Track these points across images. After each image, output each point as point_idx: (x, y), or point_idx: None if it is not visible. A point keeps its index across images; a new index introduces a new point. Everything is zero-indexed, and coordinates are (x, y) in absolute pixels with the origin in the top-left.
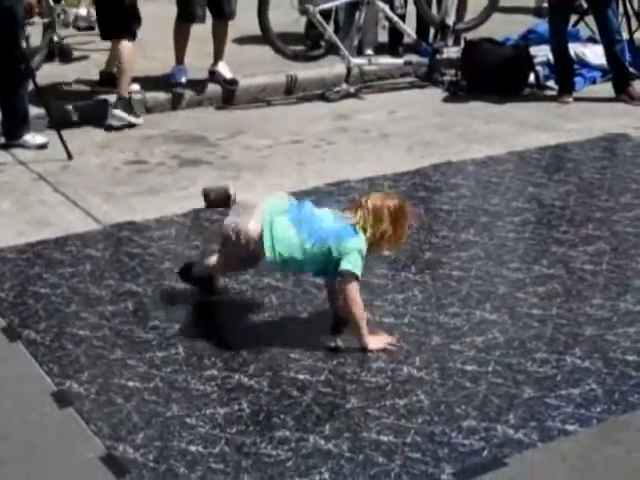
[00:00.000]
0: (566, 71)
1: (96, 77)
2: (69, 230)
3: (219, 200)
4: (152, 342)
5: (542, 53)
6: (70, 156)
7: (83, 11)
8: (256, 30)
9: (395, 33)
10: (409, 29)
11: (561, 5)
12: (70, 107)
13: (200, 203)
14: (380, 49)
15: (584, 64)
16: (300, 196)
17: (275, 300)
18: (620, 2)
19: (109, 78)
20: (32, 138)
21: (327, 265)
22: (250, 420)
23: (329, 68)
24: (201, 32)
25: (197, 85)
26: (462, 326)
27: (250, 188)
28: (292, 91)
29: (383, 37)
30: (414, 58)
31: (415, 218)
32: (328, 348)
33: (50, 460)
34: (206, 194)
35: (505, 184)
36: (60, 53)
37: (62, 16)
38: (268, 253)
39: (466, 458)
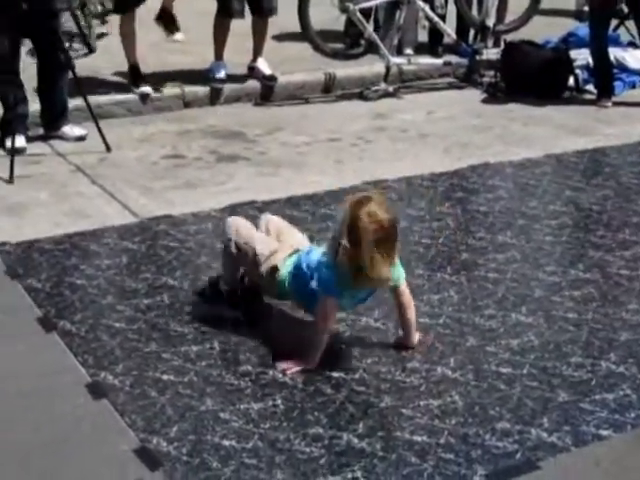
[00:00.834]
0: (606, 75)
1: None
2: (106, 222)
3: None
4: (187, 336)
5: (582, 57)
6: (109, 148)
7: None
8: (296, 27)
9: (435, 33)
10: (449, 29)
11: (602, 9)
12: (109, 99)
13: (238, 198)
14: (420, 49)
15: (624, 68)
16: (338, 193)
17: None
18: None
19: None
20: (71, 130)
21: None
22: (284, 416)
23: (368, 67)
24: (241, 28)
25: (236, 81)
26: (497, 328)
27: (288, 185)
28: (330, 89)
29: (423, 37)
30: (453, 59)
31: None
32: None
33: (83, 452)
34: None
35: (543, 187)
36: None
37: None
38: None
39: (499, 460)
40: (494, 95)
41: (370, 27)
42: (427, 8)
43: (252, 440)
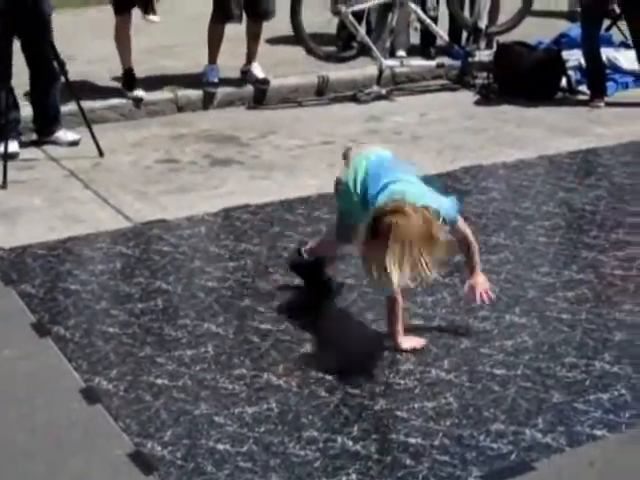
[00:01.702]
0: (598, 76)
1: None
2: (100, 227)
3: None
4: (181, 340)
5: (574, 57)
6: (101, 153)
7: None
8: (289, 30)
9: (427, 35)
10: (441, 31)
11: (594, 9)
12: (102, 104)
13: (231, 202)
14: (412, 51)
15: (616, 69)
16: (331, 197)
17: (305, 300)
18: None
19: None
20: (64, 135)
21: None
22: (278, 420)
23: (361, 69)
24: (233, 32)
25: (229, 84)
26: (491, 330)
27: (282, 188)
28: (323, 92)
29: (415, 39)
30: (446, 61)
31: None
32: None
33: (78, 456)
34: None
35: (536, 188)
36: None
37: None
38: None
39: (494, 461)
40: (487, 97)
41: (362, 30)
42: (419, 10)
43: (247, 444)
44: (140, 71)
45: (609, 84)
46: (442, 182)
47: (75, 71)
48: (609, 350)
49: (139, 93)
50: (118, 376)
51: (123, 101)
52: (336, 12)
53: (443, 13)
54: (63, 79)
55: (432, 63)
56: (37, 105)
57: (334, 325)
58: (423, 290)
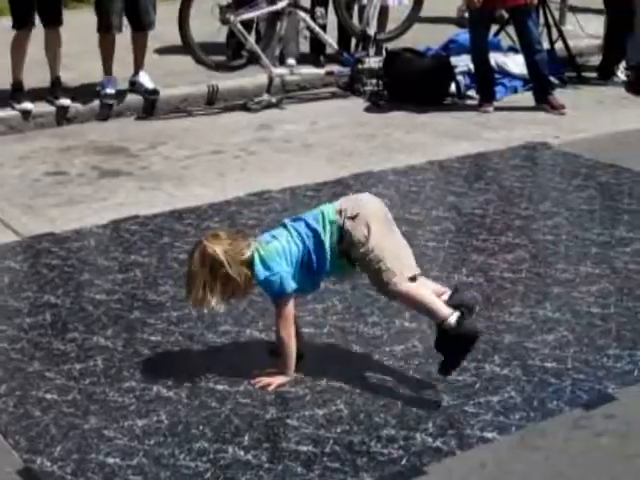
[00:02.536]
0: (486, 80)
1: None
2: None
3: None
4: (70, 354)
5: (463, 63)
6: None
7: None
8: (177, 40)
9: (316, 43)
10: (330, 39)
11: (481, 15)
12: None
13: (121, 214)
14: (302, 59)
15: (505, 73)
16: (221, 206)
17: (194, 311)
18: (540, 12)
19: None
20: None
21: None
22: (168, 431)
23: (251, 78)
24: (122, 42)
25: (118, 95)
26: (381, 335)
27: (171, 199)
28: (213, 101)
29: (305, 47)
30: (336, 68)
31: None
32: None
33: None
34: None
35: (425, 193)
36: None
37: None
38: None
39: (385, 467)
40: (377, 104)
41: (252, 38)
42: (308, 18)
43: (137, 457)
44: (30, 82)
45: (498, 88)
46: (332, 189)
47: None
48: (499, 353)
49: (27, 106)
50: (7, 392)
51: (11, 113)
52: (225, 21)
53: (332, 21)
54: None
55: (322, 71)
56: None
57: (224, 334)
58: (313, 298)
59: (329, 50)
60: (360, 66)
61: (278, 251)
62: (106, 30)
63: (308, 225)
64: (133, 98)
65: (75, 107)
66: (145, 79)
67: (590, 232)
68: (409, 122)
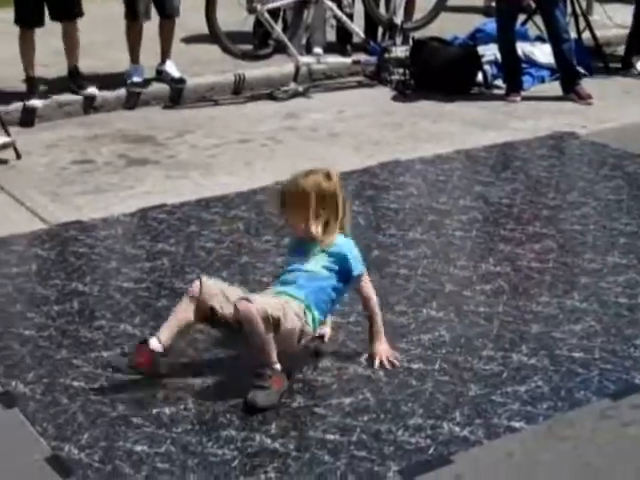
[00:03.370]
0: (514, 70)
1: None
2: (15, 230)
3: None
4: (97, 342)
5: (490, 52)
6: (19, 156)
7: None
8: (204, 29)
9: (343, 32)
10: (357, 28)
11: (509, 4)
12: (17, 106)
13: (147, 202)
14: (328, 48)
15: (532, 63)
16: (248, 195)
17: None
18: (568, 1)
19: None
20: None
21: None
22: (196, 419)
23: (277, 67)
24: (149, 31)
25: (145, 84)
26: (409, 324)
27: (198, 187)
28: (240, 90)
29: (332, 36)
30: (362, 57)
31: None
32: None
33: None
34: None
35: (452, 182)
36: None
37: None
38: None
39: (412, 456)
40: (403, 93)
41: (278, 27)
42: (335, 7)
43: (164, 444)
44: (54, 72)
45: (525, 78)
46: (359, 178)
47: None
48: (526, 342)
49: (34, 103)
50: (34, 379)
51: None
52: (252, 10)
53: (359, 10)
54: None
55: (348, 60)
56: None
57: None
58: None
59: (356, 39)
60: (387, 55)
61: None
62: (133, 18)
63: None
64: (160, 87)
65: (102, 96)
66: (172, 68)
67: (618, 222)
68: (436, 111)
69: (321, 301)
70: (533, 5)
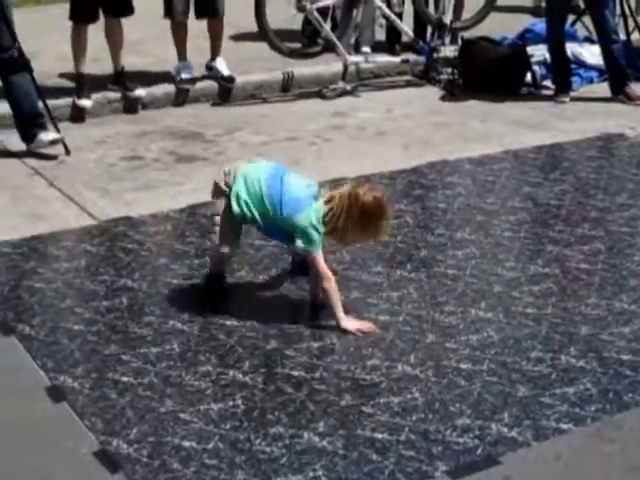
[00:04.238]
0: (563, 71)
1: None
2: (64, 225)
3: None
4: (146, 337)
5: (539, 52)
6: (68, 151)
7: None
8: (253, 27)
9: (392, 31)
10: (406, 27)
11: (558, 5)
12: (66, 102)
13: (196, 199)
14: (377, 47)
15: (581, 64)
16: None
17: (271, 297)
18: (617, 2)
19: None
20: (45, 135)
21: (287, 234)
22: (244, 416)
23: (326, 66)
24: (199, 28)
25: (193, 81)
26: (457, 324)
27: None
28: (289, 88)
29: (380, 35)
30: (411, 56)
31: (390, 218)
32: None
33: (43, 455)
34: None
35: (501, 183)
36: None
37: None
38: (233, 203)
39: (460, 456)
40: (452, 92)
41: (327, 26)
42: (384, 6)
43: (213, 441)
44: (104, 68)
45: (574, 79)
46: (407, 178)
47: (37, 69)
48: (575, 344)
49: (84, 102)
50: (83, 374)
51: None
52: (301, 8)
53: (408, 9)
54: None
55: (397, 59)
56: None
57: (300, 323)
58: (389, 285)
59: (404, 38)
60: (435, 54)
61: None
62: (171, 16)
63: None
64: (208, 84)
65: (150, 92)
66: (222, 65)
67: None
68: (484, 111)
69: None
70: (582, 5)
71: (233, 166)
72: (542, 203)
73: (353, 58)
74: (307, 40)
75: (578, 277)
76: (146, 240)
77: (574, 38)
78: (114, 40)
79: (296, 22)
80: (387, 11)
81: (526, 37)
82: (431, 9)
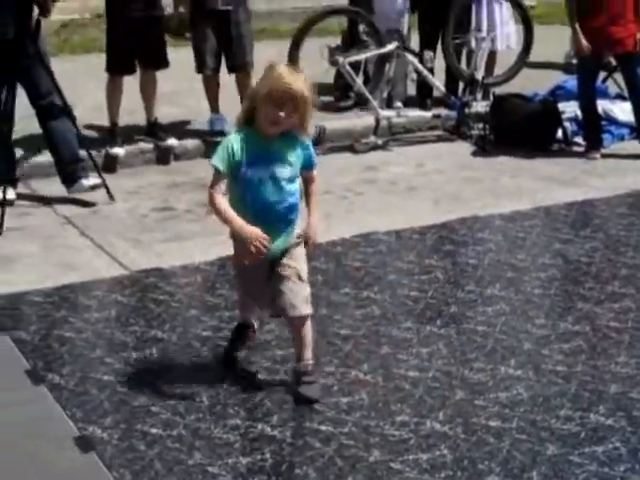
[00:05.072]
0: (594, 127)
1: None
2: (95, 275)
3: None
4: (176, 389)
5: (570, 109)
6: (111, 196)
7: None
8: None
9: (424, 86)
10: (438, 82)
11: (590, 61)
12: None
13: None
14: (409, 102)
15: (612, 121)
16: (327, 246)
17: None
18: None
19: None
20: (86, 181)
21: None
22: (272, 470)
23: (358, 120)
24: (232, 81)
25: (226, 133)
26: (486, 381)
27: None
28: (320, 142)
29: (412, 90)
30: (442, 111)
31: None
32: None
33: None
34: None
35: (531, 239)
36: None
37: None
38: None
39: None
40: (483, 148)
41: (360, 80)
42: (416, 61)
43: None
44: (138, 120)
45: (605, 136)
46: (437, 233)
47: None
48: (604, 403)
49: (117, 151)
50: (112, 424)
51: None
52: (334, 62)
53: (440, 64)
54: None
55: (428, 114)
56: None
57: (328, 376)
58: (418, 341)
59: (436, 93)
60: (467, 110)
61: None
62: (201, 70)
63: None
64: None
65: (183, 144)
66: None
67: None
68: (515, 167)
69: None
70: (614, 62)
71: None
72: (572, 260)
73: (385, 112)
74: (339, 94)
75: (608, 335)
76: (177, 291)
77: (605, 95)
78: (148, 92)
79: (329, 76)
80: (419, 66)
81: (557, 94)
82: (463, 65)
